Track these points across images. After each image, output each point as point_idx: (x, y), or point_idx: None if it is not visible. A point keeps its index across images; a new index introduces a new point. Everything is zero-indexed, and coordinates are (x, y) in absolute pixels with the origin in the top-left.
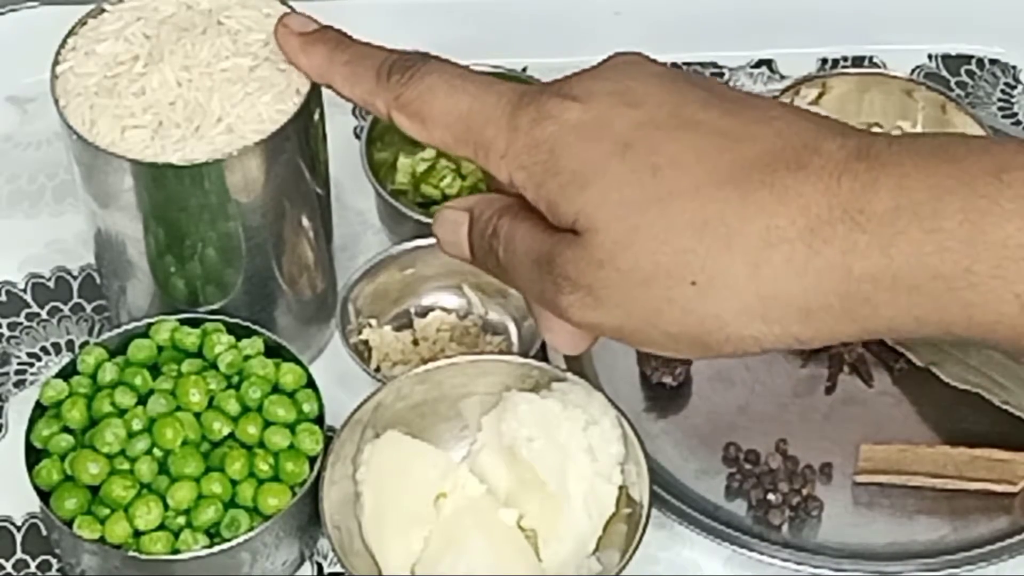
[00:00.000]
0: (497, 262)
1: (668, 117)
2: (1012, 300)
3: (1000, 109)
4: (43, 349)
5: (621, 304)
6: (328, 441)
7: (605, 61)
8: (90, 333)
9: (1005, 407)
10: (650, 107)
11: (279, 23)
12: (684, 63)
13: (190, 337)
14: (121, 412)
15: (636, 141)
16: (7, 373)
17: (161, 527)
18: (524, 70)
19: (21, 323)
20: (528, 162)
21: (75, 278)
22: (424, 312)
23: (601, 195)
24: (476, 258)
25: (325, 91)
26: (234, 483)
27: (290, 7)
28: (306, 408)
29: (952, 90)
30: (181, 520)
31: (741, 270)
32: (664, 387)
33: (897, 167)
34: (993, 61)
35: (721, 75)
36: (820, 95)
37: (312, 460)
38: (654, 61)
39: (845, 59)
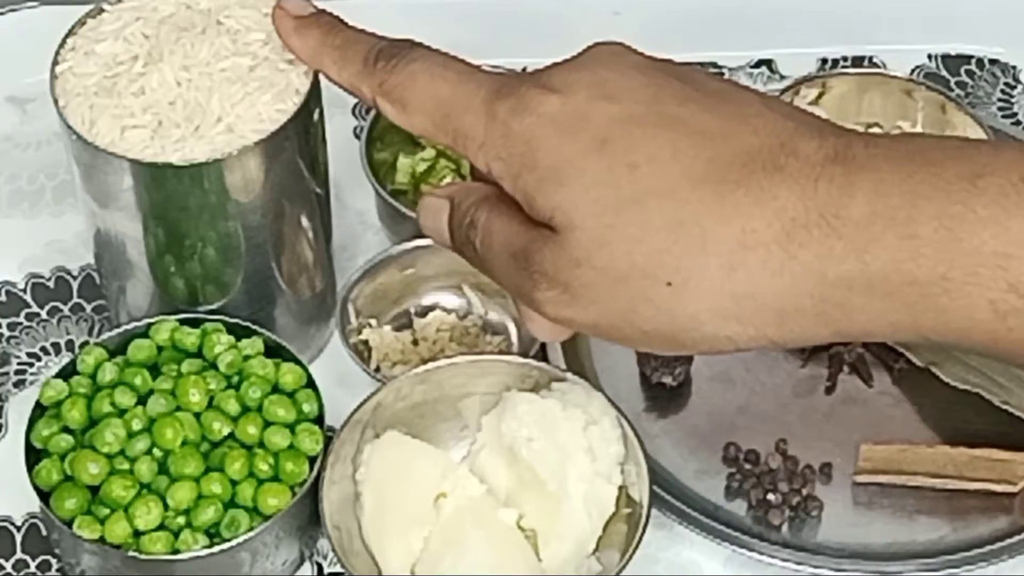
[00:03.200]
0: (475, 252)
1: (646, 112)
2: (986, 306)
3: (1000, 109)
4: (43, 349)
5: (596, 302)
6: (328, 441)
7: (587, 50)
8: (90, 333)
9: (1005, 407)
10: (628, 102)
11: (276, 5)
12: (684, 63)
13: (190, 337)
14: (121, 412)
15: (613, 137)
16: (7, 373)
17: (161, 527)
18: (524, 70)
19: (21, 323)
20: (505, 153)
21: (75, 278)
22: (424, 312)
23: (578, 193)
24: (456, 246)
25: (325, 91)
26: (234, 483)
27: None
28: (306, 408)
29: (952, 90)
30: (181, 520)
31: (716, 272)
32: (664, 387)
33: (874, 171)
34: (993, 61)
35: (721, 75)
36: (820, 95)
37: (312, 460)
38: (635, 52)
39: (845, 59)
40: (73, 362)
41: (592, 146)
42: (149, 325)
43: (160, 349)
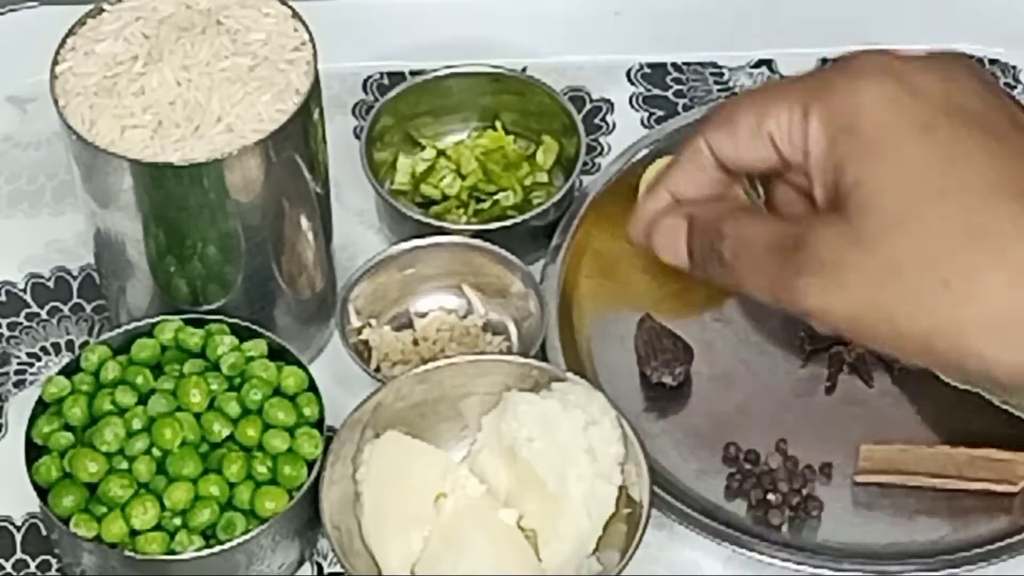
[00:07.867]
0: (720, 263)
1: (976, 113)
2: None
3: None
4: (43, 349)
5: (862, 290)
6: (328, 441)
7: (932, 54)
8: (90, 333)
9: (1005, 407)
10: (961, 95)
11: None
12: (684, 63)
13: (194, 337)
14: (121, 411)
15: (939, 125)
16: (7, 373)
17: (157, 527)
18: (524, 70)
19: (21, 323)
20: (826, 110)
21: (75, 278)
22: (424, 312)
23: (888, 170)
24: (695, 262)
25: (325, 91)
26: (231, 485)
27: (290, 7)
28: (307, 412)
29: None
30: (177, 521)
31: (1001, 286)
32: (664, 387)
33: None
34: (993, 61)
35: (721, 75)
36: None
37: (310, 464)
38: (976, 68)
39: None
40: (77, 359)
41: (915, 129)
42: (153, 324)
43: (164, 348)
